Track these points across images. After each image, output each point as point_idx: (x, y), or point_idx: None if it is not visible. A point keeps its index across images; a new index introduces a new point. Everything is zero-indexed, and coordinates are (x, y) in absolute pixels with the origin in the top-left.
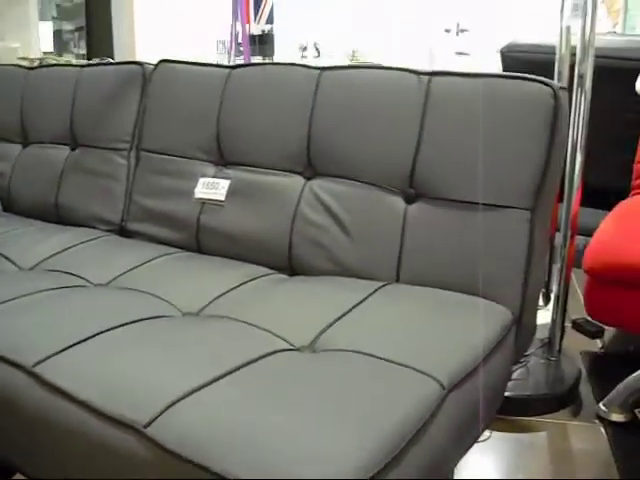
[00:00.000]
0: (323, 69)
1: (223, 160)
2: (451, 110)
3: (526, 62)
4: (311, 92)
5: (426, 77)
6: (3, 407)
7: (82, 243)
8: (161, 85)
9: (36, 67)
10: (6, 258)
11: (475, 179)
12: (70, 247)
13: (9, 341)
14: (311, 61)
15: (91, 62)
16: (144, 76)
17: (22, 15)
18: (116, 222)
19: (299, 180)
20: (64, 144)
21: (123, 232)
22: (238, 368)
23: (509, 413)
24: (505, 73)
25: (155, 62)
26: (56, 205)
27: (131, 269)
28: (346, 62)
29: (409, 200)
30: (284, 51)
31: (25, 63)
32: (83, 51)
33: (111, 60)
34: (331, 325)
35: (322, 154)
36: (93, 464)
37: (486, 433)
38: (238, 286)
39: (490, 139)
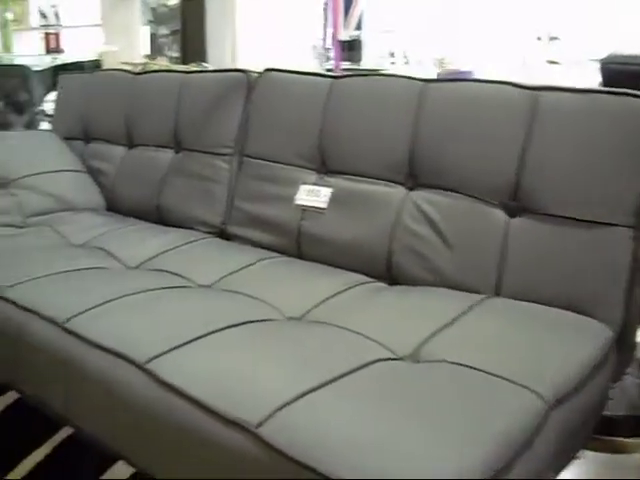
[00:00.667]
0: (427, 81)
1: (325, 168)
2: (558, 125)
3: (629, 75)
4: (415, 103)
5: (533, 92)
6: (115, 400)
7: (185, 244)
8: (265, 93)
9: (141, 72)
10: (112, 255)
11: (579, 195)
12: (173, 248)
13: (122, 338)
14: (400, 68)
15: (195, 69)
16: (248, 84)
17: (126, 20)
18: (217, 225)
19: (400, 190)
20: (168, 147)
21: (223, 235)
22: (344, 375)
23: (602, 432)
24: (612, 89)
25: (258, 70)
26: (158, 206)
27: (234, 272)
28: (435, 69)
29: (511, 213)
30: (372, 57)
31: (129, 67)
32: (176, 54)
33: (206, 65)
34: (433, 336)
35: (425, 165)
36: (202, 460)
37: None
38: (339, 293)
39: (595, 155)
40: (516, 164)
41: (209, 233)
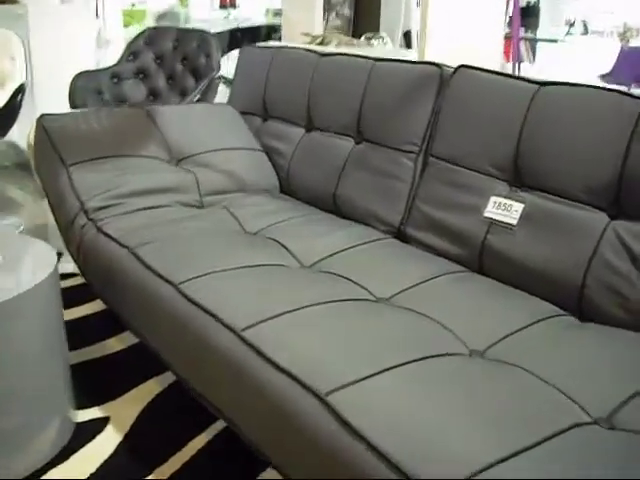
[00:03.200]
0: None
1: (519, 181)
2: None
3: None
4: (627, 123)
5: None
6: (284, 423)
7: (362, 244)
8: (459, 91)
9: (327, 54)
10: (288, 250)
11: None
12: (350, 247)
13: (303, 362)
14: (577, 39)
15: (384, 57)
16: (441, 79)
17: None
18: (395, 224)
19: (602, 217)
20: (349, 136)
21: (400, 235)
22: (546, 439)
23: None
24: None
25: (453, 65)
26: (335, 196)
27: (415, 285)
28: (616, 43)
29: None
30: (549, 25)
31: (308, 39)
32: (347, 13)
33: (382, 36)
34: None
35: (635, 193)
36: None
37: None
38: (528, 326)
39: None
40: None
41: (386, 232)
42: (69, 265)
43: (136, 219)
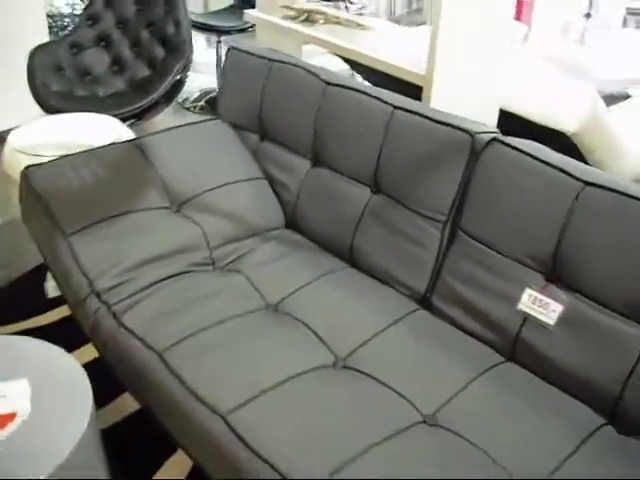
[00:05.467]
0: None
1: (557, 277)
2: None
3: None
4: None
5: None
6: None
7: (392, 325)
8: (492, 169)
9: (334, 84)
10: (320, 340)
11: None
12: (382, 330)
13: None
14: None
15: (405, 107)
16: (472, 149)
17: None
18: (419, 291)
19: None
20: (364, 184)
21: (424, 302)
22: None
23: None
24: None
25: (486, 138)
26: (351, 247)
27: (458, 392)
28: None
29: None
30: None
31: (291, 14)
32: None
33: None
34: None
35: None
36: None
37: None
38: (575, 451)
39: None
40: None
41: (409, 297)
42: None
43: (153, 303)
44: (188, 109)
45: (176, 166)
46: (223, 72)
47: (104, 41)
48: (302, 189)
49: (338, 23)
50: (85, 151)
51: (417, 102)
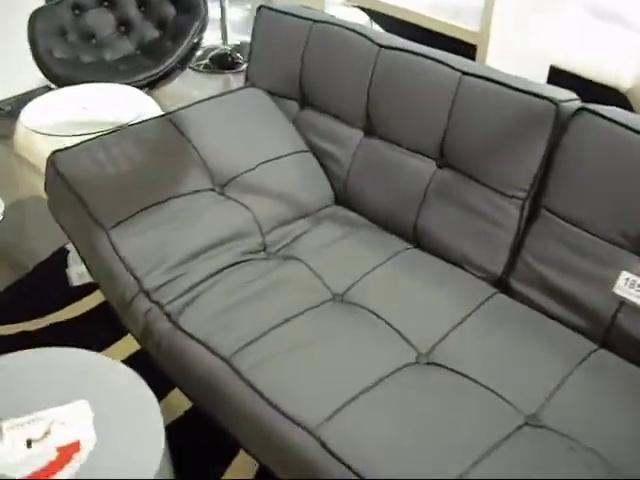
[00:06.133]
0: None
1: None
2: None
3: None
4: None
5: None
6: None
7: (473, 313)
8: (580, 141)
9: (388, 46)
10: (400, 334)
11: None
12: (463, 320)
13: None
14: None
15: (474, 72)
16: (556, 119)
17: None
18: (496, 274)
19: None
20: (428, 157)
21: (500, 285)
22: None
23: None
24: None
25: (572, 106)
26: (415, 226)
27: (557, 389)
28: None
29: None
30: None
31: None
32: None
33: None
34: None
35: None
36: None
37: None
38: None
39: None
40: None
41: (483, 279)
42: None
43: (210, 300)
44: (192, 68)
45: (216, 142)
46: (253, 34)
47: (108, 0)
48: (354, 162)
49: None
50: (115, 130)
51: (487, 67)
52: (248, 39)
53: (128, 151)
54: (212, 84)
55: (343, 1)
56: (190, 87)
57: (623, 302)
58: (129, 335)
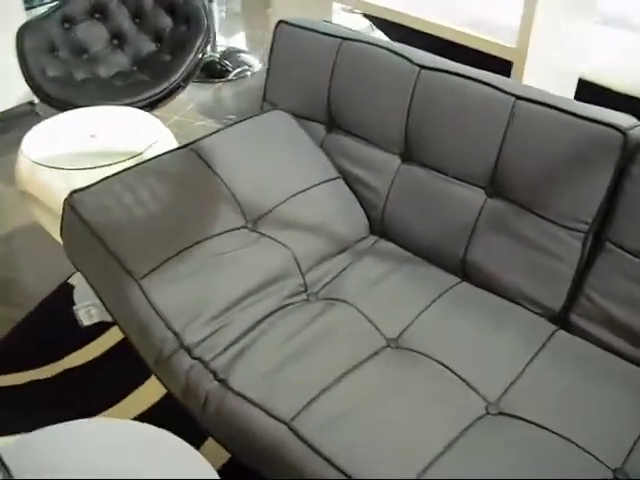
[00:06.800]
0: None
1: None
2: None
3: None
4: None
5: None
6: None
7: (539, 353)
8: None
9: (430, 69)
10: (468, 385)
11: None
12: (529, 363)
13: None
14: None
15: (529, 97)
16: (623, 148)
17: None
18: (554, 308)
19: None
20: (477, 186)
21: (559, 321)
22: None
23: None
24: None
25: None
26: (464, 260)
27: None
28: None
29: None
30: None
31: None
32: None
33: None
34: None
35: None
36: None
37: None
38: None
39: None
40: None
41: (540, 315)
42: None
43: (258, 355)
44: None
45: (244, 174)
46: (272, 51)
47: (99, 12)
48: (392, 189)
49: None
50: (136, 165)
51: (542, 90)
52: (234, 44)
53: (152, 189)
54: (204, 94)
55: (350, 8)
56: (183, 99)
57: None
58: (152, 379)
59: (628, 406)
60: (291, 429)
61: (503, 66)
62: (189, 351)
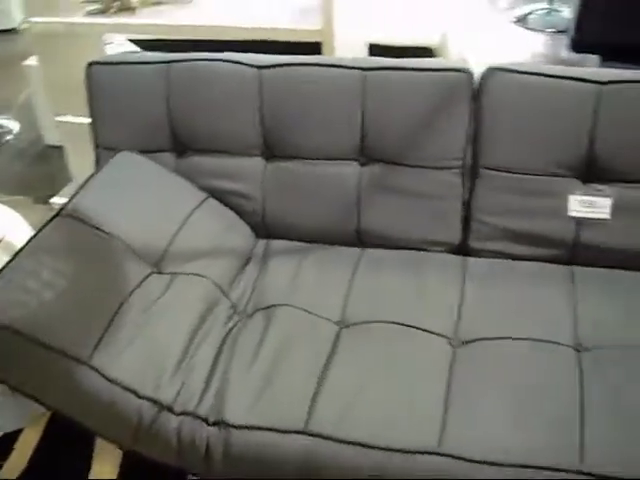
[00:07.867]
0: None
1: (594, 177)
2: None
3: None
4: None
5: None
6: None
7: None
8: (499, 97)
9: (267, 67)
10: (429, 332)
11: None
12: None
13: None
14: None
15: (375, 65)
16: (471, 85)
17: None
18: (454, 242)
19: None
20: (349, 159)
21: (461, 251)
22: None
23: None
24: None
25: (480, 69)
26: (358, 231)
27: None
28: None
29: None
30: None
31: (97, 7)
32: None
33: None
34: None
35: None
36: None
37: None
38: None
39: None
40: None
41: (444, 251)
42: None
43: (238, 388)
44: None
45: (130, 223)
46: (90, 96)
47: None
48: (265, 191)
49: (158, 3)
50: (21, 248)
51: (385, 59)
52: None
53: (53, 268)
54: None
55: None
56: None
57: (580, 221)
58: None
59: (557, 293)
60: (311, 434)
61: (314, 48)
62: (171, 409)
